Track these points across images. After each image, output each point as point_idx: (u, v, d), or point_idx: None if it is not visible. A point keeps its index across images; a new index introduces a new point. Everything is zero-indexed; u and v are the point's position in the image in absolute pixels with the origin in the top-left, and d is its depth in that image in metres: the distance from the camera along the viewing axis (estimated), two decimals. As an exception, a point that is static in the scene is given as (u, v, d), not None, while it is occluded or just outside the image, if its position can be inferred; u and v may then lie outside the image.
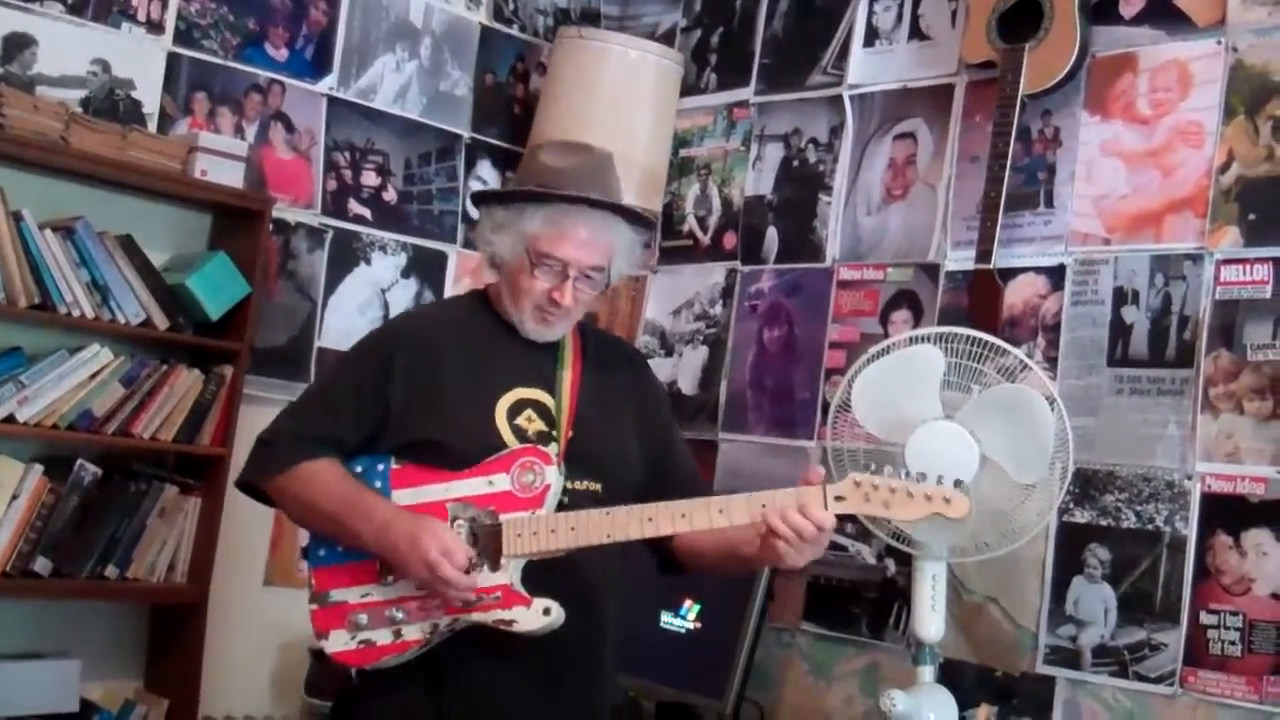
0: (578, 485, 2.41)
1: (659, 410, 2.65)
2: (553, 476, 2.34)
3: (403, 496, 2.38)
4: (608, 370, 2.55)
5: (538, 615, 2.30)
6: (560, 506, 2.35)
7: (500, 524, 2.33)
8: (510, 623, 2.30)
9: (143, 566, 3.48)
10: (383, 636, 2.36)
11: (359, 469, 2.42)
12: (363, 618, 2.36)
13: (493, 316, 2.51)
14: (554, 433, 2.42)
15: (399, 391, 2.41)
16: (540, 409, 2.44)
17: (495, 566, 2.32)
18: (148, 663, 3.67)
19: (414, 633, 2.35)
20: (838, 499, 2.21)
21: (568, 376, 2.48)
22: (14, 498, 3.29)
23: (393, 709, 2.39)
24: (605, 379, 2.53)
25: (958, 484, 2.20)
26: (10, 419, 3.25)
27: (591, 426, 2.46)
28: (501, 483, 2.35)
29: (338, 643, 2.38)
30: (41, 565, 3.33)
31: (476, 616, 2.32)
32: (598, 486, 2.44)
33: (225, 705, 3.72)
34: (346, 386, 2.48)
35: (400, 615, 2.35)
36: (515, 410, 2.42)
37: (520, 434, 2.40)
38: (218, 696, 3.67)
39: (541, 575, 2.33)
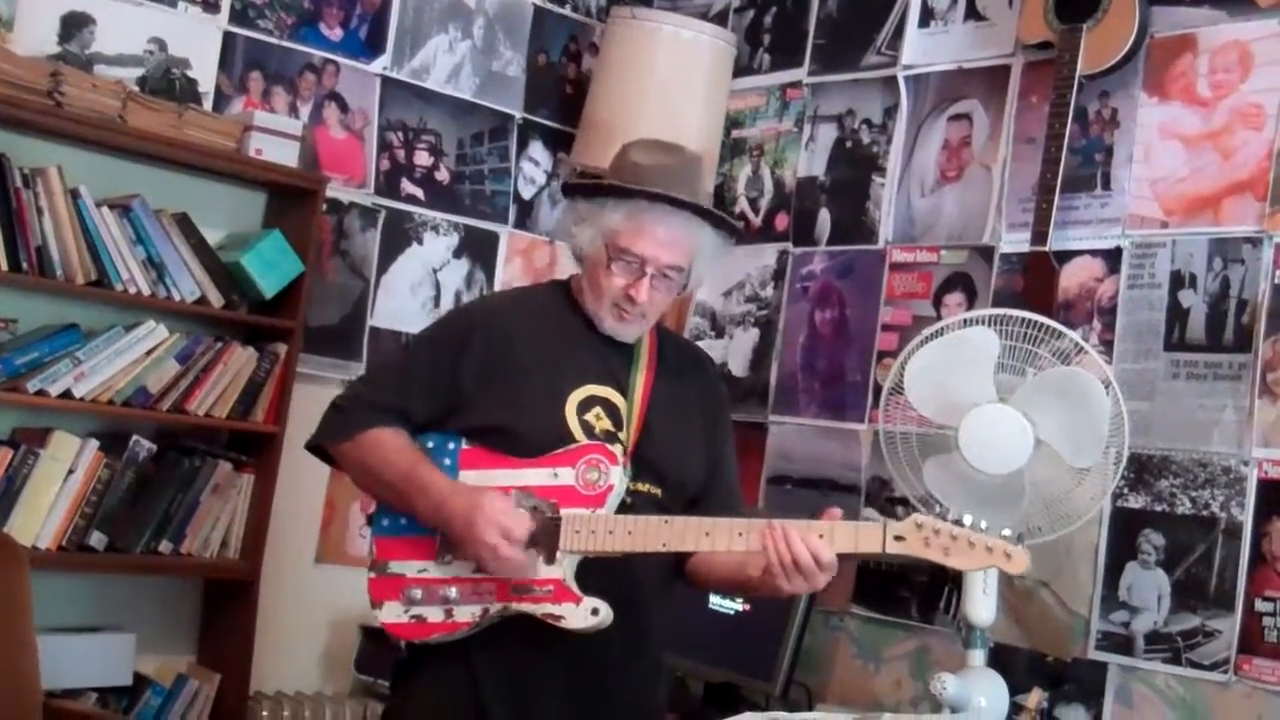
0: (639, 487, 2.41)
1: (722, 421, 2.65)
2: (617, 477, 2.34)
3: (469, 478, 2.39)
4: (680, 377, 2.55)
5: (586, 614, 2.30)
6: (621, 507, 2.35)
7: (560, 518, 2.33)
8: (559, 618, 2.31)
9: (196, 542, 3.51)
10: (435, 614, 2.38)
11: (429, 444, 2.43)
12: (417, 593, 2.39)
13: (572, 309, 2.51)
14: (620, 434, 2.42)
15: (472, 373, 2.42)
16: (609, 408, 2.44)
17: (550, 560, 2.32)
18: (200, 638, 3.71)
19: (465, 614, 2.37)
20: (897, 539, 2.19)
21: (641, 379, 2.48)
22: (70, 472, 3.33)
23: (436, 689, 2.42)
24: (677, 386, 2.53)
25: (1019, 539, 2.18)
26: (67, 394, 3.29)
27: (658, 432, 2.46)
28: (566, 477, 2.35)
29: (391, 614, 2.41)
30: (97, 540, 3.37)
31: (527, 607, 2.33)
32: (658, 491, 2.44)
33: (276, 681, 3.76)
34: (422, 362, 2.48)
35: (454, 595, 2.37)
36: (585, 406, 2.42)
37: (588, 430, 2.40)
38: (269, 672, 3.70)
39: (594, 575, 2.33)
